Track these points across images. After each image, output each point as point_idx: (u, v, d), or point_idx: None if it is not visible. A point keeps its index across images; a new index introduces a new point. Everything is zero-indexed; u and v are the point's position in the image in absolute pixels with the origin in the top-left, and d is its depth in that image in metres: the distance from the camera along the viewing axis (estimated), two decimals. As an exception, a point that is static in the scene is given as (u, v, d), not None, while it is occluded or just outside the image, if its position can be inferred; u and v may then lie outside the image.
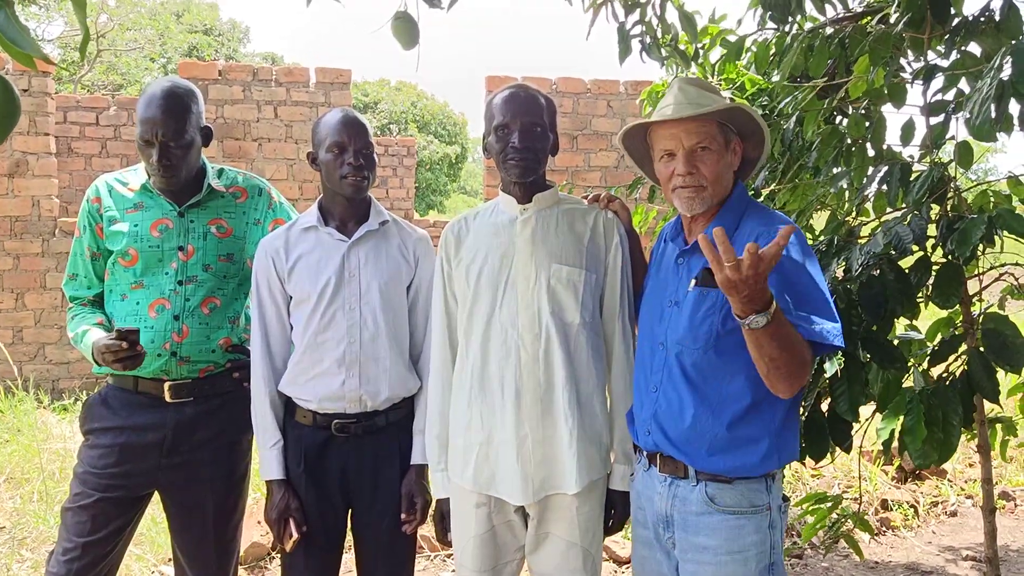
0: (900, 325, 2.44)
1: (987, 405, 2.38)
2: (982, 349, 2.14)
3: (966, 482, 4.71)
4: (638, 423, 1.94)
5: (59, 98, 8.87)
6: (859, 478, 3.27)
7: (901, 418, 2.13)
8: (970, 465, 4.91)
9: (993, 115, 2.07)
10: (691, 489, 1.80)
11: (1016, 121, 2.27)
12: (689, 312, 1.81)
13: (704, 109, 1.80)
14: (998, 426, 2.71)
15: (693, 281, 1.79)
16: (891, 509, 4.27)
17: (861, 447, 3.05)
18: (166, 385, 2.19)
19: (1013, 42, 2.01)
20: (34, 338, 6.68)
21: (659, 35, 3.34)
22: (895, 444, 2.16)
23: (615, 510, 2.08)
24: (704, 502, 1.77)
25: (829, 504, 2.78)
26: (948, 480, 4.69)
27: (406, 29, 2.35)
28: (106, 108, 9.36)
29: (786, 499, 1.87)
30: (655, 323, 1.91)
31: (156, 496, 2.30)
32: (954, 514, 4.39)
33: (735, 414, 1.76)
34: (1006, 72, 1.98)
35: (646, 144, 1.98)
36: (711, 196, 1.83)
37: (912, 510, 4.30)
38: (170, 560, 2.75)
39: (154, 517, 3.53)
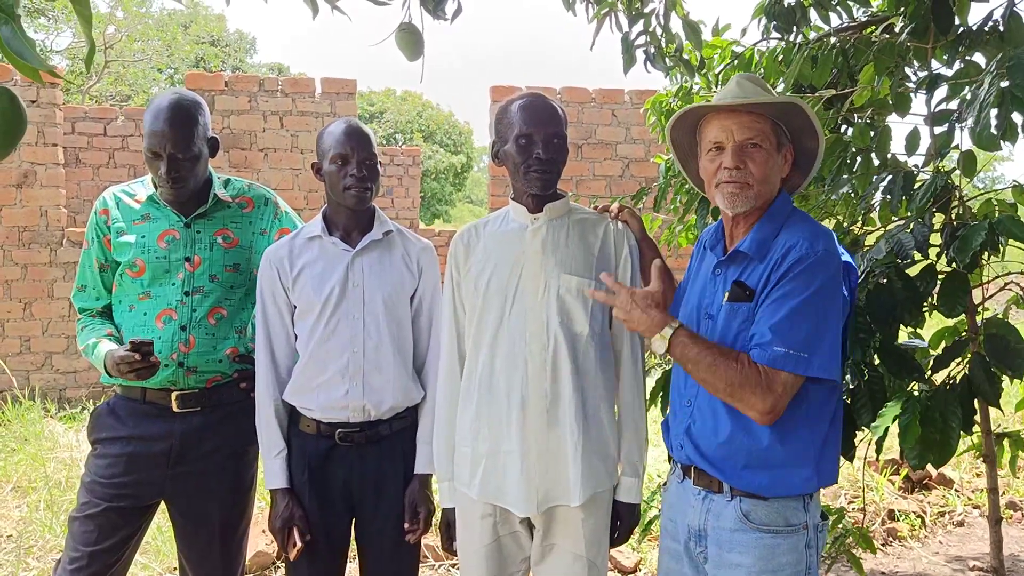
0: (904, 334, 2.43)
1: (994, 418, 2.37)
2: (984, 354, 2.14)
3: (973, 492, 4.68)
4: (672, 435, 1.91)
5: (67, 109, 8.93)
6: (864, 488, 3.25)
7: (896, 417, 2.13)
8: (977, 475, 4.88)
9: (994, 122, 2.08)
10: (725, 504, 1.75)
11: (1021, 130, 2.27)
12: (722, 328, 1.77)
13: (760, 98, 1.75)
14: (1006, 441, 2.69)
15: (725, 295, 1.78)
16: (898, 519, 4.25)
17: (866, 457, 3.05)
18: (173, 395, 2.20)
19: (1014, 51, 2.01)
20: (41, 347, 6.71)
21: (663, 44, 3.35)
22: (894, 445, 2.15)
23: (621, 522, 2.07)
24: (738, 518, 1.73)
25: (833, 517, 2.76)
26: (955, 490, 4.67)
27: (411, 40, 2.36)
28: (114, 119, 9.42)
29: (825, 517, 1.82)
30: (699, 332, 1.87)
31: (162, 505, 2.31)
32: (961, 524, 4.36)
33: (772, 433, 1.70)
34: (1007, 80, 1.99)
35: (694, 139, 1.91)
36: (756, 196, 1.76)
37: (919, 520, 4.27)
38: (175, 569, 2.76)
39: (160, 526, 3.53)
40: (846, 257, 1.76)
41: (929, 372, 2.28)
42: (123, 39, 21.34)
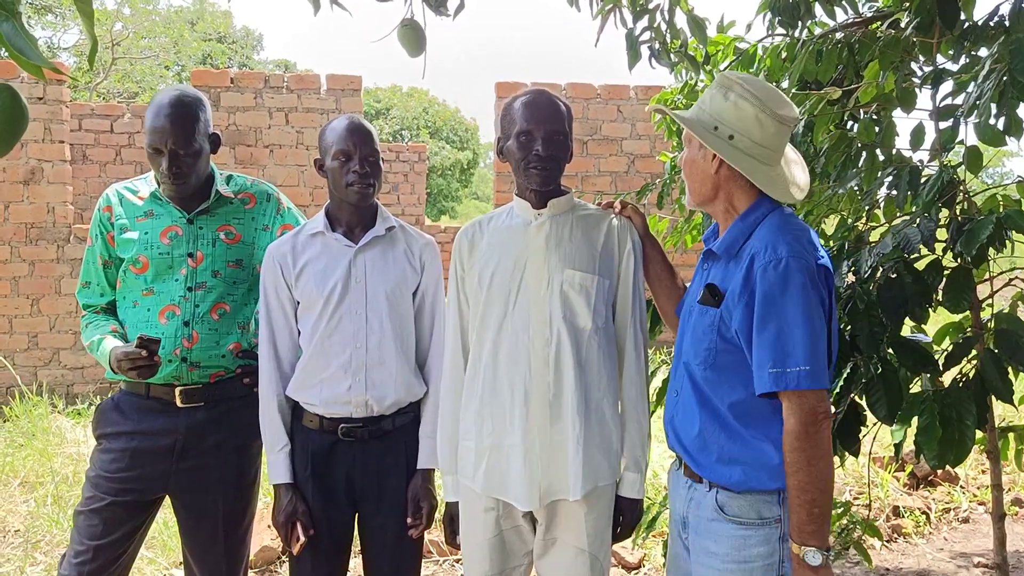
0: (906, 330, 2.43)
1: (998, 413, 2.35)
2: (995, 350, 2.13)
3: (978, 488, 4.67)
4: (664, 424, 1.96)
5: (74, 106, 8.96)
6: (869, 484, 3.25)
7: (914, 420, 2.12)
8: (982, 471, 4.87)
9: (994, 111, 2.07)
10: (704, 494, 1.80)
11: (1025, 124, 2.26)
12: (692, 327, 1.82)
13: (677, 112, 1.87)
14: (1011, 435, 2.68)
15: (700, 295, 1.80)
16: (903, 516, 4.24)
17: (871, 453, 3.04)
18: (177, 390, 2.21)
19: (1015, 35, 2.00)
20: (49, 343, 6.74)
21: (668, 40, 3.34)
22: (908, 447, 2.14)
23: (623, 517, 2.08)
24: (714, 508, 1.77)
25: (840, 510, 2.76)
26: (960, 486, 4.66)
27: (413, 36, 2.36)
28: (120, 115, 9.45)
29: None
30: (684, 326, 1.92)
31: (168, 499, 2.32)
32: (966, 520, 4.35)
33: (739, 429, 1.74)
34: (1007, 71, 1.98)
35: None
36: (690, 194, 1.90)
37: (924, 516, 4.27)
38: (181, 564, 2.77)
39: (166, 520, 3.55)
40: (824, 260, 1.74)
41: (940, 371, 2.27)
42: (130, 36, 21.37)
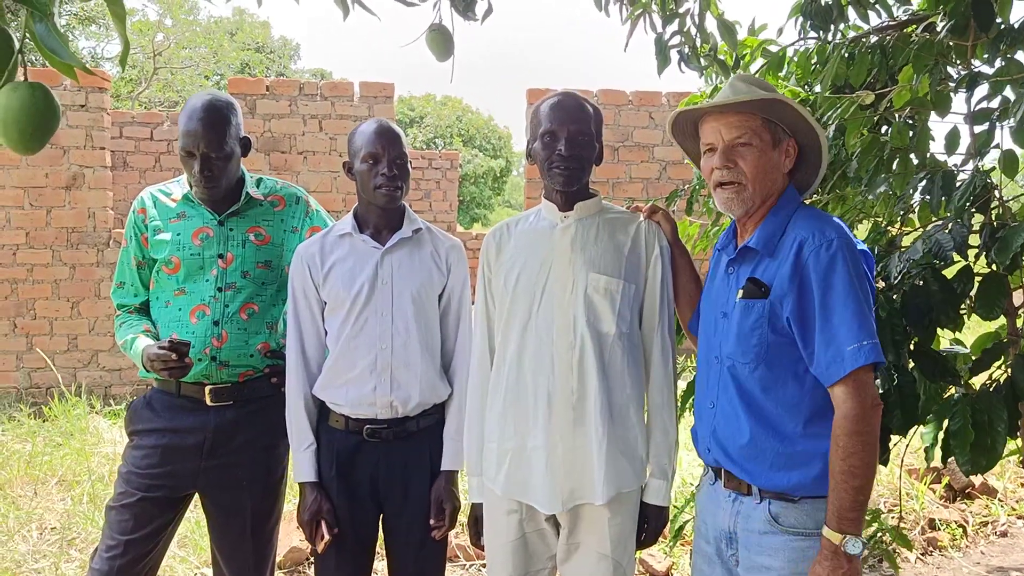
0: (945, 340, 2.38)
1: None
2: (1027, 357, 2.08)
3: (1017, 502, 4.55)
4: (699, 440, 1.91)
5: (115, 114, 9.15)
6: (900, 495, 3.19)
7: (945, 423, 2.08)
8: (1021, 485, 4.75)
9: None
10: (755, 507, 1.74)
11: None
12: (737, 324, 1.77)
13: (739, 97, 1.74)
14: (1045, 444, 2.61)
15: (740, 292, 1.77)
16: (938, 529, 4.15)
17: (903, 463, 2.99)
18: (207, 389, 2.25)
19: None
20: (88, 345, 6.88)
21: (698, 44, 3.33)
22: (938, 451, 2.10)
23: (648, 524, 2.06)
24: (767, 521, 1.71)
25: (867, 518, 2.71)
26: (999, 499, 4.55)
27: (441, 41, 2.39)
28: (160, 123, 9.64)
29: None
30: (710, 336, 1.87)
31: (198, 498, 2.35)
32: (1004, 534, 4.24)
33: (794, 429, 1.69)
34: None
35: (699, 141, 1.92)
36: (751, 196, 1.77)
37: (960, 530, 4.17)
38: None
39: (198, 520, 3.60)
40: (862, 246, 1.74)
41: (968, 376, 2.22)
42: (171, 46, 21.81)
